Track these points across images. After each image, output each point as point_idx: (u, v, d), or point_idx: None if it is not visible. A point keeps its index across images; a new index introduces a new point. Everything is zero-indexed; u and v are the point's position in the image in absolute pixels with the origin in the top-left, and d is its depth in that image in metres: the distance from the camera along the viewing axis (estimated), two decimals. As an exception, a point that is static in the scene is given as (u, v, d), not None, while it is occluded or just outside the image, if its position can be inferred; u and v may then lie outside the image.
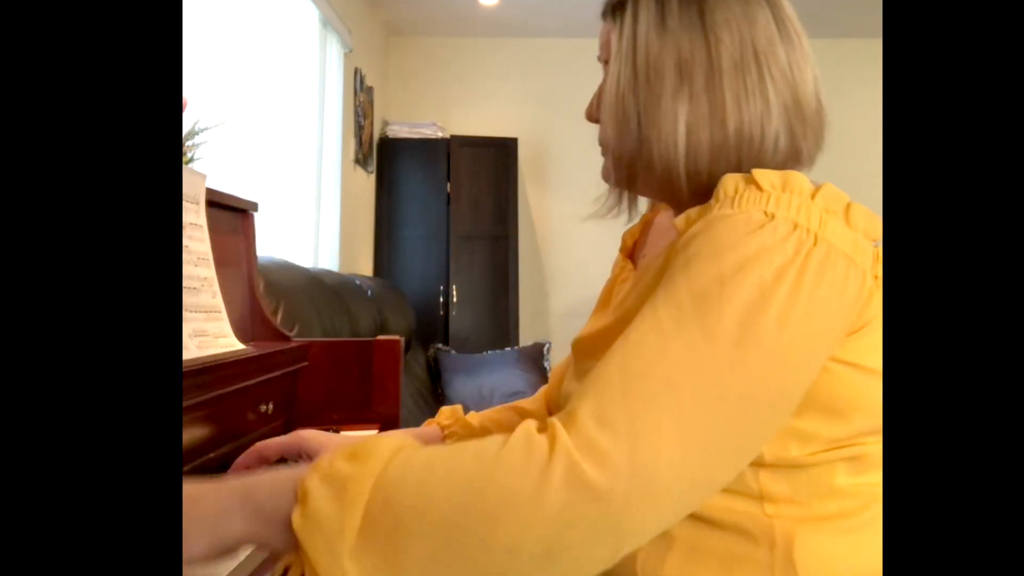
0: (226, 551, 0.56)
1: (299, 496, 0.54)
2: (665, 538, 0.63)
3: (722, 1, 0.70)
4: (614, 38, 0.74)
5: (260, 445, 0.87)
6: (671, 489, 0.53)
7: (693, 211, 0.65)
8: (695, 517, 0.63)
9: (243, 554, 0.71)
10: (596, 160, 0.78)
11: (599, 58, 0.79)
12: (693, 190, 0.70)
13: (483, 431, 0.95)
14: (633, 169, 0.72)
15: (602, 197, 0.85)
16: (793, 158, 0.71)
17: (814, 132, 0.72)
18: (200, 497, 0.56)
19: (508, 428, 0.98)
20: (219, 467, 0.93)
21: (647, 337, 0.57)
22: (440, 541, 0.51)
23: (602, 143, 0.77)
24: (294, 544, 0.53)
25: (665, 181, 0.71)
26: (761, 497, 0.62)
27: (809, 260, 0.58)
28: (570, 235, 4.94)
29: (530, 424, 0.56)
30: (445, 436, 0.94)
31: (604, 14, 0.77)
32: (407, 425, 1.17)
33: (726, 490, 0.62)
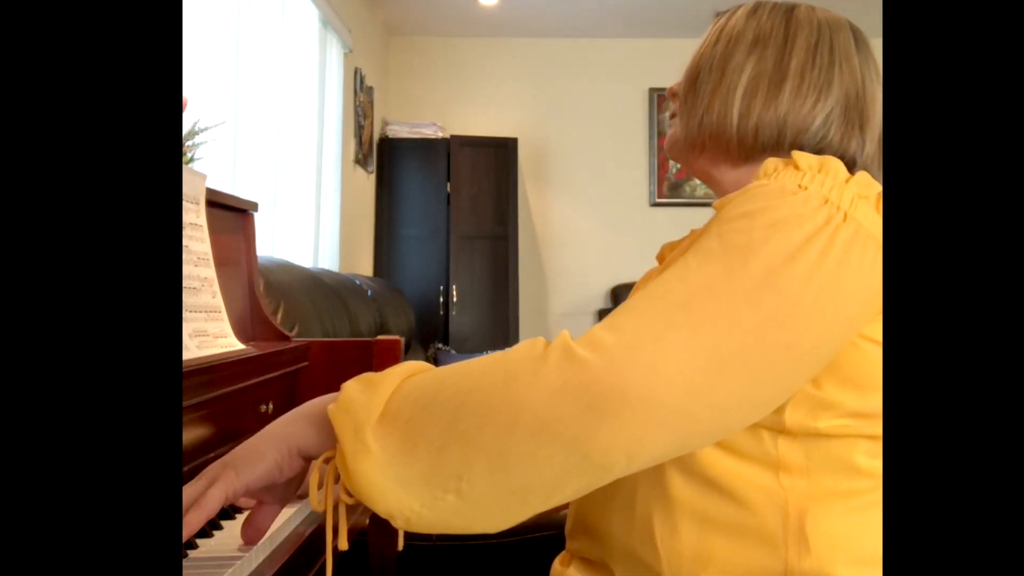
0: (287, 462, 0.64)
1: (339, 396, 0.62)
2: (677, 506, 0.64)
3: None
4: (706, 35, 0.81)
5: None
6: (670, 390, 0.53)
7: (733, 194, 0.66)
8: (709, 484, 0.63)
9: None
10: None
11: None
12: (738, 155, 0.75)
13: None
14: (700, 127, 0.77)
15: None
16: (839, 156, 0.71)
17: (870, 140, 0.75)
18: (275, 423, 0.67)
19: None
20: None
21: (671, 274, 0.60)
22: (448, 419, 0.56)
23: (673, 113, 0.83)
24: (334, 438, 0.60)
25: (716, 137, 0.76)
26: (777, 466, 0.62)
27: (838, 233, 0.59)
28: (570, 235, 4.94)
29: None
30: None
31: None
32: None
33: (742, 456, 0.63)
